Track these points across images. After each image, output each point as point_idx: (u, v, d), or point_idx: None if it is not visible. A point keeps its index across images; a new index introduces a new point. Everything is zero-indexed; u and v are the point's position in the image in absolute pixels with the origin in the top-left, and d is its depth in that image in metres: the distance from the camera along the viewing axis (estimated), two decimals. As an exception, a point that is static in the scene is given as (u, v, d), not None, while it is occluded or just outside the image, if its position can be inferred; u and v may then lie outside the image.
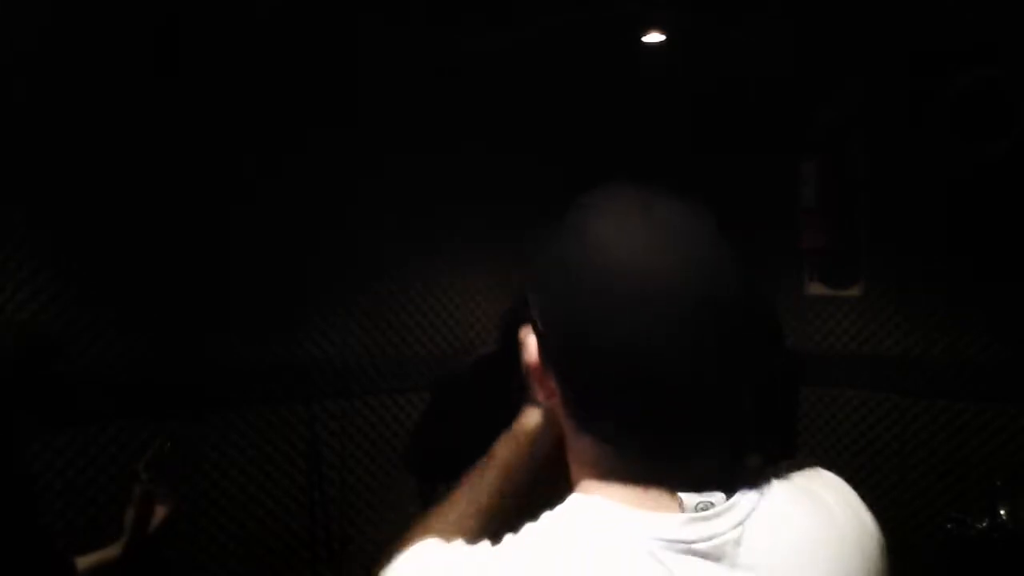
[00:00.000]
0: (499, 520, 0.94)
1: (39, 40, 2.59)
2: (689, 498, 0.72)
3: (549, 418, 0.96)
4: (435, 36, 3.09)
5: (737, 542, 0.72)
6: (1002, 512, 2.48)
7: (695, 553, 0.70)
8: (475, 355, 3.35)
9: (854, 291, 3.61)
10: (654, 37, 3.19)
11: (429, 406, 2.40)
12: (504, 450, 1.05)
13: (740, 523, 0.72)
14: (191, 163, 2.87)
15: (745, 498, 0.74)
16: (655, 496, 0.73)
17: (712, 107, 3.78)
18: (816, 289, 3.69)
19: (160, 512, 1.80)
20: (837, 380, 3.62)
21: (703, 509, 0.72)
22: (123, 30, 2.70)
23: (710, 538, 0.71)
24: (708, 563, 0.70)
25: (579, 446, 0.78)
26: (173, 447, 1.87)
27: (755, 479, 0.76)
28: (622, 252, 0.72)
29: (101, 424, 2.72)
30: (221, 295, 2.95)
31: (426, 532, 0.92)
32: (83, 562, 1.74)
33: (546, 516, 0.75)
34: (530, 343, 0.80)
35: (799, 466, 0.82)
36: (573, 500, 0.76)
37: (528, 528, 0.74)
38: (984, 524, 2.50)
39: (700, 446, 0.74)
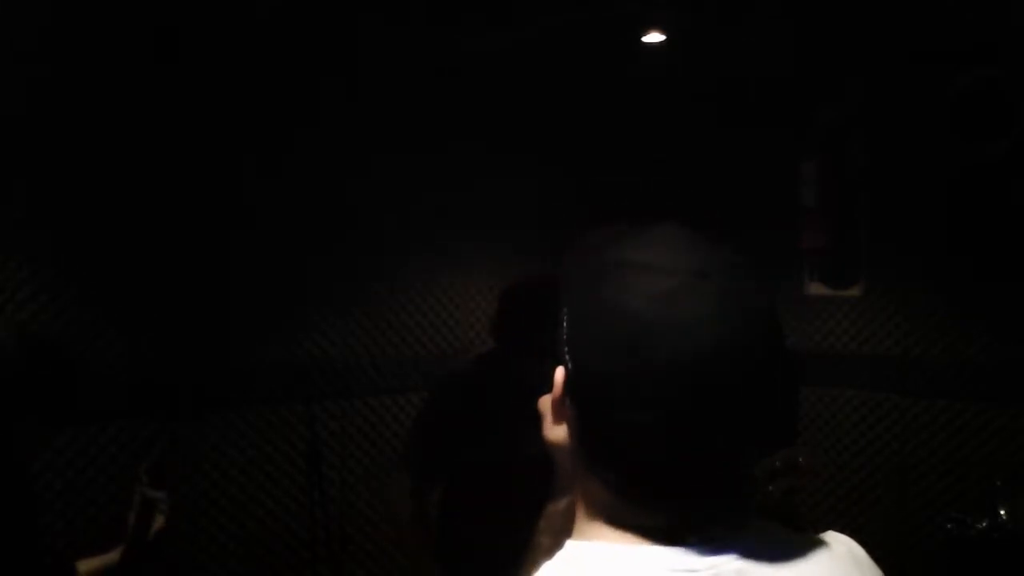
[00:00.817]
0: None
1: (40, 40, 2.59)
2: (696, 528, 0.73)
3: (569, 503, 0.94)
4: (435, 36, 3.09)
5: (743, 573, 0.73)
6: (1002, 512, 2.49)
7: None
8: (473, 355, 3.36)
9: (854, 291, 3.61)
10: (654, 37, 3.19)
11: (427, 406, 2.40)
12: (546, 540, 1.01)
13: (745, 556, 0.73)
14: (191, 163, 2.87)
15: (753, 535, 0.75)
16: (662, 525, 0.74)
17: (712, 107, 3.78)
18: (816, 289, 3.69)
19: (160, 516, 1.80)
20: (837, 380, 3.62)
21: (709, 541, 0.73)
22: (123, 30, 2.70)
23: (713, 567, 0.72)
24: None
25: (586, 486, 0.78)
26: (173, 448, 1.88)
27: (763, 515, 0.78)
28: (650, 298, 0.71)
29: (101, 424, 2.72)
30: (221, 295, 2.95)
31: None
32: (83, 566, 1.74)
33: (549, 565, 0.76)
34: (556, 374, 0.79)
35: (811, 523, 0.82)
36: (572, 547, 0.77)
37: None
38: (984, 524, 2.50)
39: (712, 473, 0.74)
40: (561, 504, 0.98)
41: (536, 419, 0.91)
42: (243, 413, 3.05)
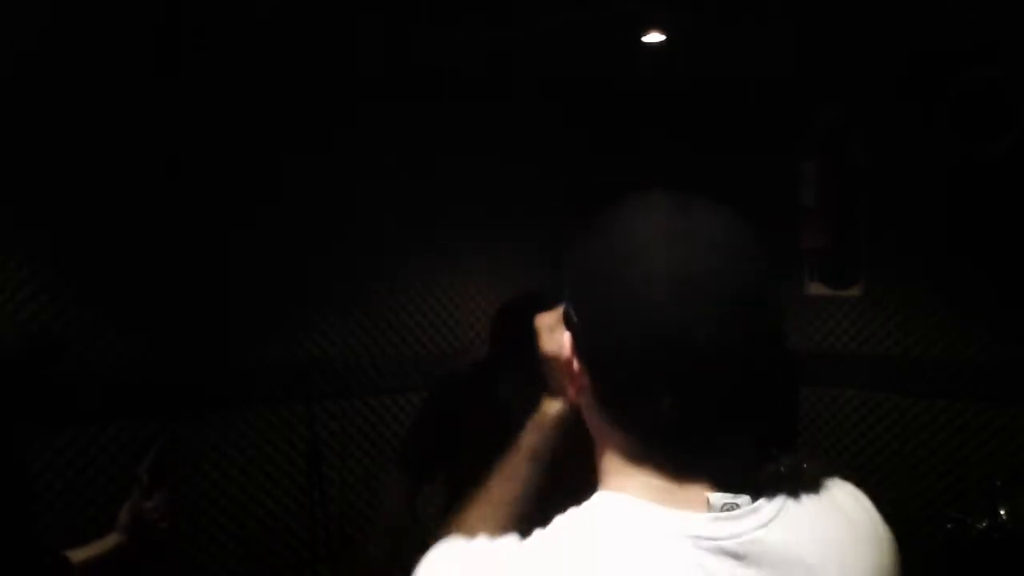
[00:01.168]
0: (532, 508, 0.97)
1: (40, 41, 2.59)
2: (716, 498, 0.74)
3: (565, 407, 1.01)
4: (435, 36, 3.09)
5: (761, 542, 0.73)
6: (1002, 512, 2.48)
7: (722, 551, 0.72)
8: (471, 356, 3.36)
9: (854, 291, 3.61)
10: (654, 37, 3.19)
11: (425, 406, 2.40)
12: (531, 438, 1.06)
13: (764, 525, 0.74)
14: (191, 163, 2.87)
15: (769, 502, 0.76)
16: (683, 493, 0.75)
17: (712, 107, 3.78)
18: (816, 289, 3.69)
19: (159, 515, 1.80)
20: (837, 380, 3.62)
21: (729, 509, 0.73)
22: (124, 30, 2.70)
23: (735, 536, 0.72)
24: (733, 561, 0.72)
25: (608, 441, 0.79)
26: (173, 448, 1.87)
27: (779, 484, 0.78)
28: (660, 249, 0.74)
29: (101, 424, 2.72)
30: (221, 295, 2.95)
31: (461, 525, 0.94)
32: (77, 556, 1.74)
33: (574, 512, 0.76)
34: (564, 338, 0.82)
35: (819, 474, 0.83)
36: (601, 497, 0.77)
37: (557, 523, 0.76)
38: (984, 524, 2.50)
39: (729, 442, 0.76)
40: (549, 409, 1.03)
41: None
42: (243, 413, 3.05)
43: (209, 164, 2.91)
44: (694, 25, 3.09)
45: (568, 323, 0.81)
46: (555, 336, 0.90)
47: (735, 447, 0.76)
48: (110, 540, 1.76)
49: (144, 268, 2.78)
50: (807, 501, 0.79)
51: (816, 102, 3.60)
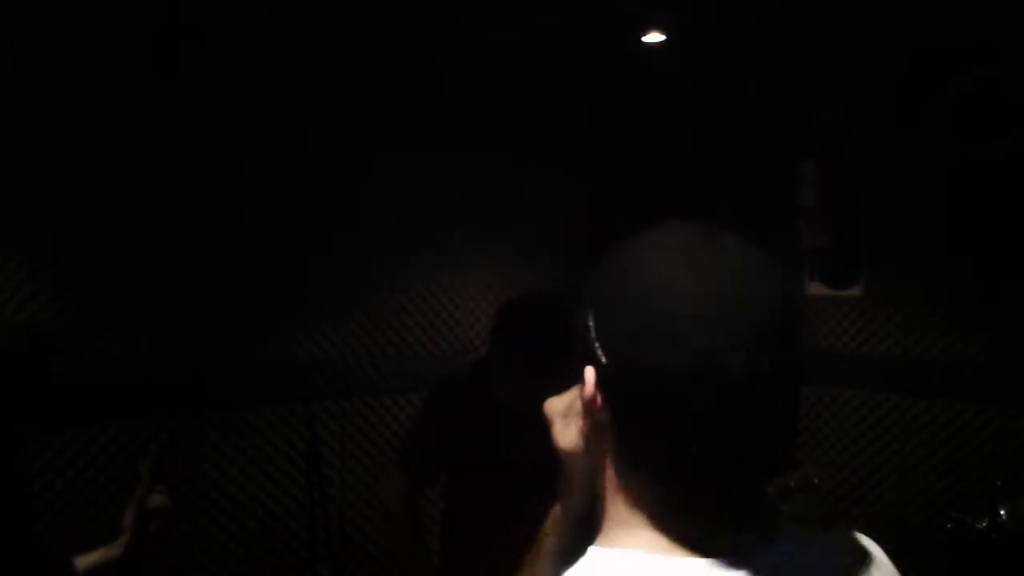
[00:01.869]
0: None
1: (40, 41, 2.59)
2: (727, 541, 0.73)
3: (573, 515, 0.95)
4: (435, 36, 3.09)
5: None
6: (1002, 512, 2.48)
7: None
8: (471, 356, 3.36)
9: (854, 291, 3.61)
10: (654, 37, 3.19)
11: (425, 405, 2.39)
12: (551, 541, 1.00)
13: (771, 570, 0.74)
14: (191, 163, 2.87)
15: (779, 547, 0.76)
16: (692, 538, 0.74)
17: (712, 107, 3.78)
18: (816, 289, 3.69)
19: (161, 514, 1.80)
20: (837, 380, 3.62)
21: (736, 553, 0.73)
22: (123, 30, 2.70)
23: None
24: None
25: (625, 485, 0.78)
26: (173, 448, 1.87)
27: (788, 530, 0.78)
28: (687, 286, 0.73)
29: (101, 424, 2.72)
30: (221, 295, 2.95)
31: None
32: (82, 562, 1.74)
33: (573, 571, 0.76)
34: (587, 373, 0.78)
35: (837, 531, 0.83)
36: (596, 552, 0.77)
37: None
38: (984, 524, 2.50)
39: (746, 485, 0.76)
40: (568, 506, 0.98)
41: (539, 425, 0.91)
42: (243, 413, 3.05)
43: (209, 164, 2.91)
44: (694, 25, 3.09)
45: (590, 358, 0.78)
46: (569, 428, 0.86)
47: (754, 486, 0.76)
48: (114, 547, 1.76)
49: (144, 268, 2.78)
50: (830, 543, 0.80)
51: (816, 102, 3.60)
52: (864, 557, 0.81)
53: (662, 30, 3.13)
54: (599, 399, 0.77)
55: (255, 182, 3.02)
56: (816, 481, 1.46)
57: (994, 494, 2.54)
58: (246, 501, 3.05)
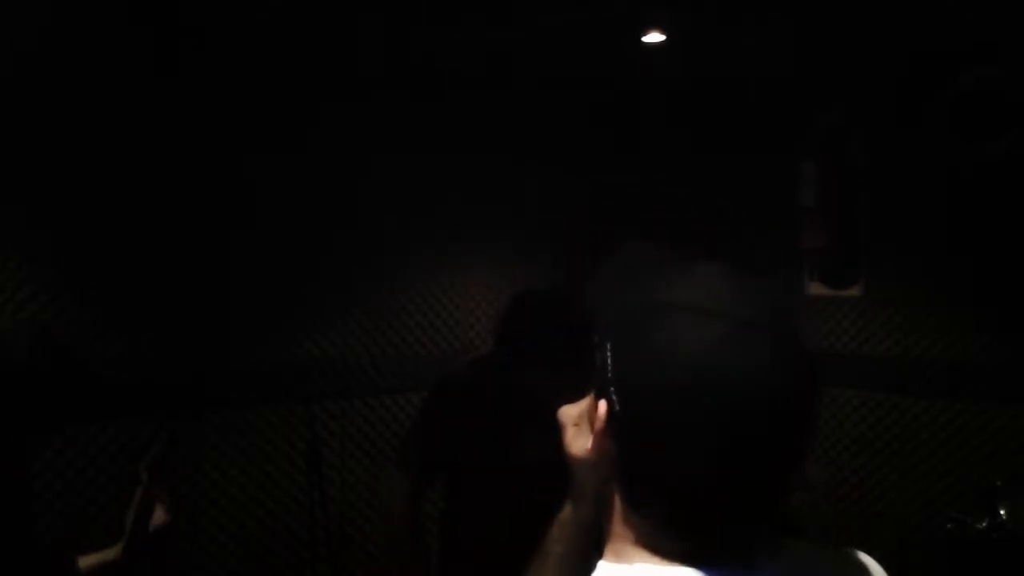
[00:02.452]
0: None
1: (40, 41, 2.59)
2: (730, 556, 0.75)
3: (583, 521, 0.96)
4: (435, 36, 3.09)
5: None
6: (1002, 512, 2.48)
7: None
8: (471, 355, 3.36)
9: (854, 291, 3.61)
10: (654, 37, 3.19)
11: (425, 405, 2.39)
12: (559, 547, 1.01)
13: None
14: (191, 163, 2.87)
15: (782, 559, 0.78)
16: (696, 554, 0.75)
17: (712, 107, 3.78)
18: (816, 289, 3.69)
19: (160, 514, 1.80)
20: (837, 380, 3.62)
21: (742, 565, 0.75)
22: (124, 31, 2.70)
23: None
24: None
25: (624, 516, 0.79)
26: (173, 448, 1.87)
27: (788, 545, 0.80)
28: (715, 355, 0.72)
29: (101, 424, 2.72)
30: (221, 295, 2.95)
31: None
32: (83, 563, 1.74)
33: None
34: (600, 408, 0.79)
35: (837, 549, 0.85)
36: (607, 569, 0.78)
37: None
38: (984, 524, 2.50)
39: (742, 532, 0.77)
40: (578, 512, 0.98)
41: (548, 428, 0.92)
42: (243, 413, 3.05)
43: (209, 164, 2.91)
44: (694, 25, 3.09)
45: (606, 397, 0.78)
46: (581, 436, 0.87)
47: (757, 508, 0.76)
48: (115, 547, 1.76)
49: (144, 268, 2.78)
50: (830, 559, 0.82)
51: (816, 102, 3.60)
52: (862, 572, 0.82)
53: (662, 30, 3.13)
54: (607, 433, 0.78)
55: (255, 182, 3.02)
56: (816, 479, 1.46)
57: (994, 494, 2.54)
58: (246, 501, 3.05)
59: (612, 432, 0.78)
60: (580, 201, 3.79)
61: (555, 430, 0.90)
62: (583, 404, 0.87)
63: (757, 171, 3.65)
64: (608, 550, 0.80)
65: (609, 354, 0.78)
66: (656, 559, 0.76)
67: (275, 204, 3.07)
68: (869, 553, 0.85)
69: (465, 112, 3.48)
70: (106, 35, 2.68)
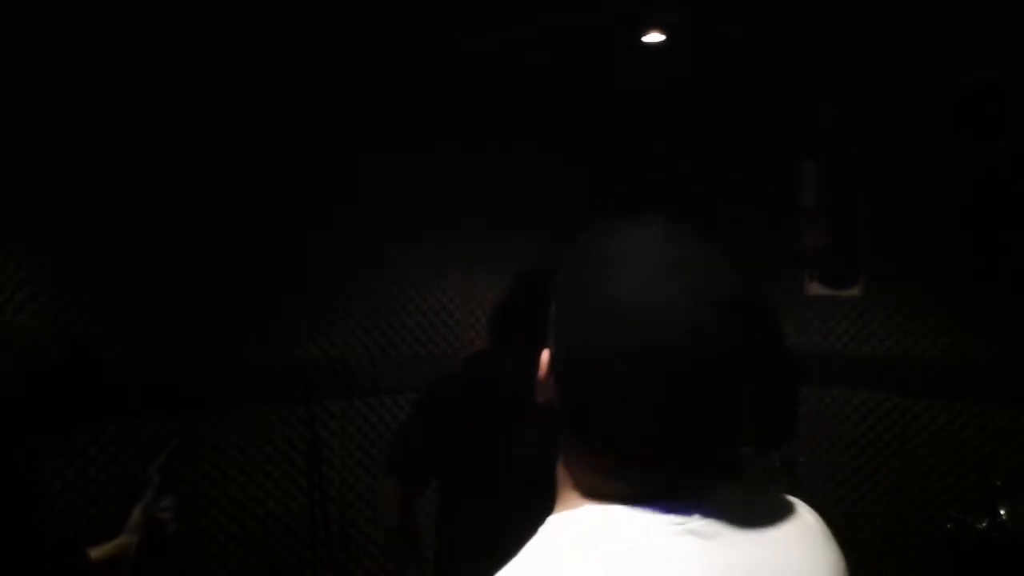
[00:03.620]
0: None
1: (40, 40, 2.59)
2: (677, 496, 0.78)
3: None
4: (435, 36, 3.09)
5: (729, 525, 0.78)
6: (1002, 512, 2.48)
7: (693, 533, 0.76)
8: (463, 356, 3.35)
9: (854, 291, 3.61)
10: (654, 37, 3.19)
11: (412, 409, 2.38)
12: None
13: (730, 509, 0.79)
14: (191, 163, 2.87)
15: (720, 499, 0.80)
16: (640, 496, 0.78)
17: (712, 107, 3.78)
18: (816, 289, 3.69)
19: (170, 515, 1.81)
20: (837, 380, 3.62)
21: (685, 502, 0.78)
22: (123, 30, 2.70)
23: (706, 519, 0.77)
24: (703, 541, 0.76)
25: (568, 459, 0.83)
26: (184, 450, 1.88)
27: (727, 488, 0.82)
28: (640, 295, 0.75)
29: (101, 424, 2.72)
30: (221, 295, 2.95)
31: None
32: (95, 553, 1.75)
33: (548, 531, 0.79)
34: (543, 355, 0.84)
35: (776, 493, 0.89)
36: (554, 519, 0.81)
37: (535, 545, 0.79)
38: (984, 524, 2.50)
39: (693, 466, 0.79)
40: None
41: (542, 422, 0.94)
42: (243, 413, 3.04)
43: (209, 164, 2.91)
44: (694, 25, 3.09)
45: (551, 340, 0.83)
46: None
47: (692, 455, 0.79)
48: (121, 541, 1.76)
49: (144, 268, 2.78)
50: (769, 501, 0.85)
51: (816, 102, 3.60)
52: (798, 517, 0.85)
53: (662, 30, 3.13)
54: (551, 380, 0.82)
55: (255, 182, 3.02)
56: (801, 460, 1.48)
57: (994, 494, 2.54)
58: (246, 501, 3.05)
59: (554, 372, 0.82)
60: (580, 201, 3.79)
61: (549, 425, 0.93)
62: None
63: (757, 171, 3.65)
64: (558, 503, 0.83)
65: (554, 304, 0.83)
66: (598, 503, 0.79)
67: (275, 204, 3.07)
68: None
69: (465, 112, 3.48)
70: (107, 34, 2.68)
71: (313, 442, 2.73)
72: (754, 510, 0.81)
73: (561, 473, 0.84)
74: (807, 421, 3.65)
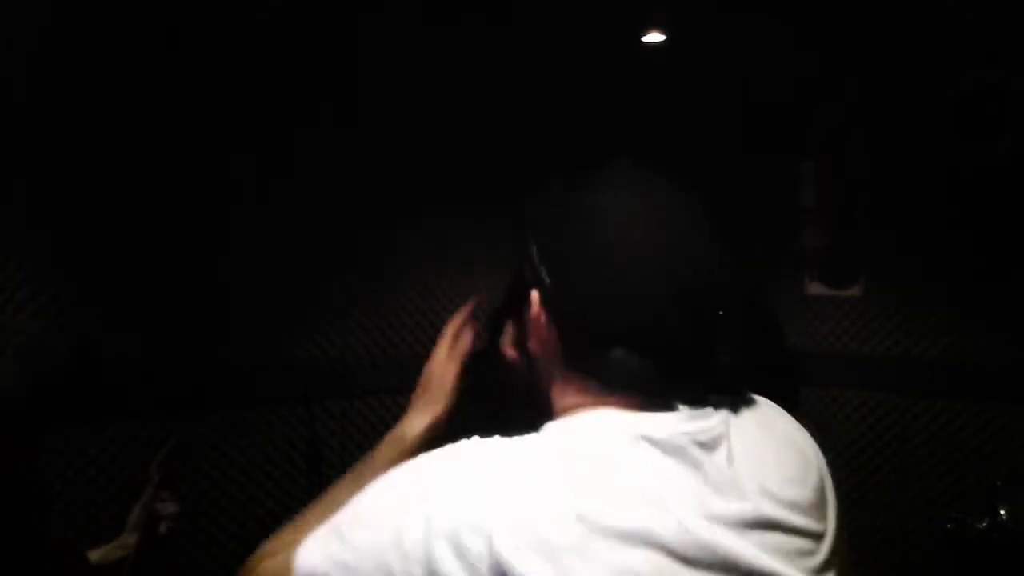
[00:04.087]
0: None
1: (40, 39, 2.59)
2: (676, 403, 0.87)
3: (433, 423, 1.20)
4: (435, 36, 3.09)
5: (725, 436, 0.85)
6: (1002, 512, 2.48)
7: (696, 443, 0.82)
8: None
9: (854, 291, 3.61)
10: (654, 37, 3.19)
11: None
12: (388, 452, 1.18)
13: (725, 421, 0.87)
14: (191, 162, 2.87)
15: (724, 407, 0.89)
16: (641, 404, 0.87)
17: (712, 107, 3.78)
18: (816, 289, 3.69)
19: (168, 514, 1.81)
20: (837, 380, 3.62)
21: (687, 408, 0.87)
22: (123, 30, 2.70)
23: (704, 431, 0.84)
24: (705, 451, 0.82)
25: (566, 385, 0.90)
26: (185, 448, 1.88)
27: (723, 398, 0.91)
28: (622, 216, 0.87)
29: (100, 424, 2.72)
30: (221, 295, 2.95)
31: (301, 529, 1.01)
32: (94, 555, 1.75)
33: (550, 426, 0.87)
34: (532, 295, 0.92)
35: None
36: (568, 420, 0.88)
37: (541, 434, 0.86)
38: (984, 524, 2.50)
39: (682, 382, 0.88)
40: (417, 425, 1.21)
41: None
42: (243, 413, 3.04)
43: (209, 163, 2.91)
44: (694, 25, 3.09)
45: (536, 280, 0.91)
46: (461, 342, 1.15)
47: (690, 384, 0.87)
48: (122, 541, 1.76)
49: (144, 268, 2.78)
50: (754, 409, 0.94)
51: (816, 102, 3.60)
52: (780, 413, 1.00)
53: (662, 30, 3.13)
54: (543, 317, 0.90)
55: (255, 181, 3.02)
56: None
57: (994, 494, 2.54)
58: (246, 501, 3.05)
59: (547, 309, 0.89)
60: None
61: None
62: (465, 310, 1.12)
63: (757, 171, 3.65)
64: (555, 418, 0.89)
65: (534, 245, 0.92)
66: (604, 404, 0.86)
67: (275, 203, 3.07)
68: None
69: (465, 112, 3.48)
70: (106, 35, 2.68)
71: (313, 442, 2.73)
72: (749, 421, 0.90)
73: (558, 391, 0.91)
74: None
